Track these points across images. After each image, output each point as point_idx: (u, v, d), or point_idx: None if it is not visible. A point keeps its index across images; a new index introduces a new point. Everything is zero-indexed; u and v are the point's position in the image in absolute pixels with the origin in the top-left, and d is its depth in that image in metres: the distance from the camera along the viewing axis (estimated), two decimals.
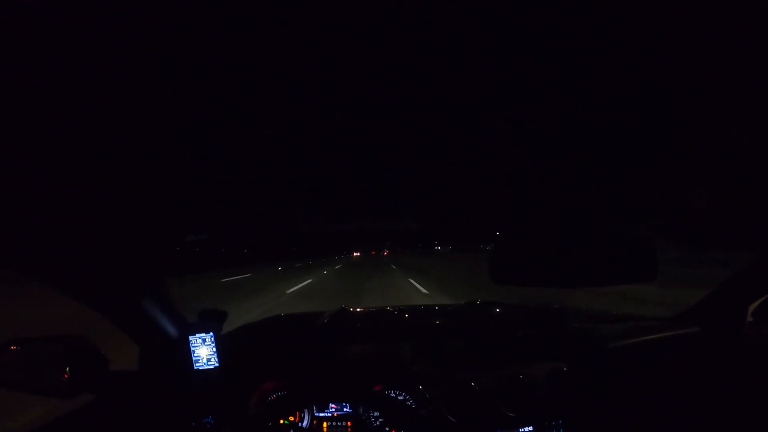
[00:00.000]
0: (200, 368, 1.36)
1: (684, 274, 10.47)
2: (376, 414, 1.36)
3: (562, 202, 1.12)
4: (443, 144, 0.80)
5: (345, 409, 1.37)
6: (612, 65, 0.58)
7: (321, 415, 1.37)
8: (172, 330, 1.37)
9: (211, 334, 1.35)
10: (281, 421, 1.34)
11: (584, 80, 0.61)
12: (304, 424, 1.36)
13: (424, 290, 11.31)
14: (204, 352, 1.35)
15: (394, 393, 1.36)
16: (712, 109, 0.69)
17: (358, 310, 2.41)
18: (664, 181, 1.04)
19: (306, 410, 1.37)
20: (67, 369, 1.21)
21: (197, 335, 1.36)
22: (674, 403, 1.41)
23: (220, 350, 1.36)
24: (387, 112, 0.68)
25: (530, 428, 1.29)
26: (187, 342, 1.36)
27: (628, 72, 0.59)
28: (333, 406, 1.38)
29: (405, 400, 1.36)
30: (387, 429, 1.33)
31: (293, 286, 13.94)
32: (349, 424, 1.35)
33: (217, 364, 1.35)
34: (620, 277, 1.05)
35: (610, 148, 0.87)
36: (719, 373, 1.43)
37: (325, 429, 1.35)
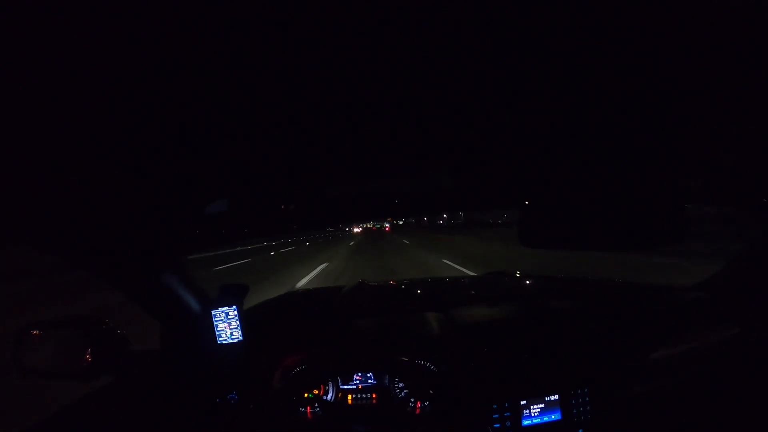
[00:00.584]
0: (223, 342, 1.35)
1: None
2: (401, 385, 1.35)
3: (592, 163, 1.09)
4: (466, 96, 0.76)
5: (370, 381, 1.37)
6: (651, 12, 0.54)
7: (345, 387, 1.37)
8: (194, 305, 1.37)
9: (234, 307, 1.35)
10: (306, 395, 1.34)
11: (622, 30, 0.57)
12: (329, 397, 1.36)
13: None
14: (227, 326, 1.35)
15: (419, 363, 1.35)
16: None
17: (378, 283, 2.40)
18: (700, 141, 1.00)
19: (330, 383, 1.37)
20: (89, 351, 1.20)
21: (220, 309, 1.35)
22: (697, 370, 1.40)
23: (244, 324, 1.35)
24: (397, 58, 0.63)
25: (556, 397, 1.29)
26: (210, 317, 1.35)
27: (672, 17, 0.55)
28: (357, 377, 1.37)
29: (430, 370, 1.34)
30: (412, 400, 1.32)
31: None
32: (374, 395, 1.35)
33: (240, 338, 1.35)
34: (648, 239, 1.04)
35: (643, 104, 0.83)
36: (742, 339, 1.43)
37: (349, 401, 1.35)
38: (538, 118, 0.86)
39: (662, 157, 1.11)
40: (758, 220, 1.36)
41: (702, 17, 0.53)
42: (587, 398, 1.30)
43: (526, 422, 1.26)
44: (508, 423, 1.25)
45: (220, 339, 1.35)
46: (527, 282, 2.17)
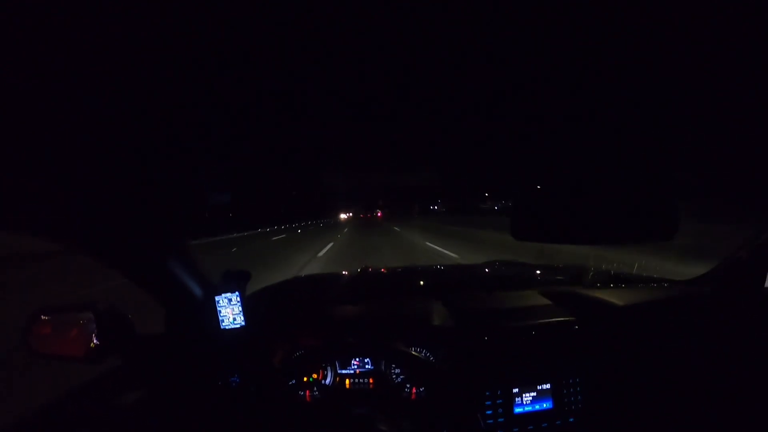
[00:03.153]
0: (226, 328, 1.39)
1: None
2: (398, 371, 1.39)
3: (584, 156, 1.11)
4: (462, 89, 0.78)
5: (367, 366, 1.41)
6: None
7: (344, 372, 1.41)
8: (197, 291, 1.40)
9: (237, 293, 1.39)
10: (305, 379, 1.38)
11: (614, 25, 0.59)
12: (328, 381, 1.40)
13: None
14: (230, 311, 1.39)
15: (415, 350, 1.39)
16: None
17: (381, 269, 2.43)
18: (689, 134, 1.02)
19: (329, 367, 1.41)
20: (95, 335, 1.24)
21: (223, 295, 1.39)
22: (689, 364, 1.41)
23: (246, 309, 1.39)
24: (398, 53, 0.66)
25: (548, 386, 1.31)
26: (213, 302, 1.39)
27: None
28: (355, 362, 1.41)
29: (426, 357, 1.38)
30: (408, 386, 1.36)
31: None
32: (371, 380, 1.39)
33: (243, 323, 1.39)
34: (640, 234, 1.05)
35: (634, 97, 0.85)
36: (735, 335, 1.43)
37: (347, 385, 1.39)
38: (531, 113, 0.89)
39: (654, 151, 1.12)
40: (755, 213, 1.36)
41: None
42: (579, 387, 1.32)
43: (518, 410, 1.28)
44: (500, 410, 1.27)
45: (223, 324, 1.39)
46: (527, 270, 2.19)
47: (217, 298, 1.38)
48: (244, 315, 1.38)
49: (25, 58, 0.58)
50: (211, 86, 0.72)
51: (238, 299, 1.38)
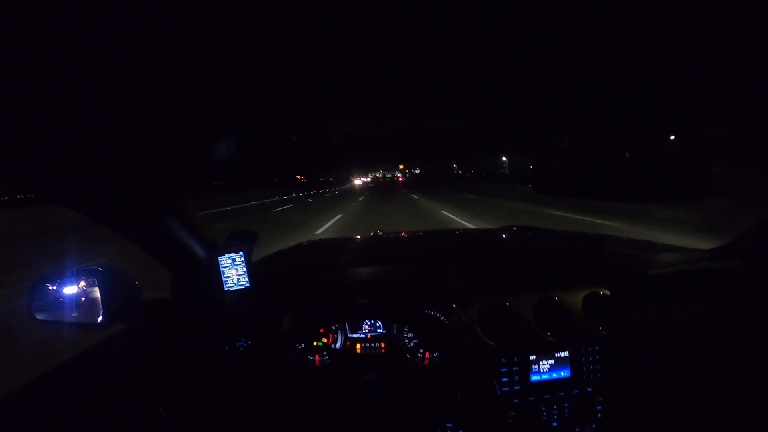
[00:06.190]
0: (230, 289, 1.35)
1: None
2: (410, 335, 1.34)
3: (611, 109, 1.03)
4: (487, 34, 0.70)
5: (379, 330, 1.36)
6: None
7: (354, 336, 1.36)
8: (201, 252, 1.35)
9: (241, 253, 1.33)
10: (314, 343, 1.35)
11: None
12: (338, 345, 1.36)
13: None
14: (233, 272, 1.34)
15: (429, 312, 1.33)
16: None
17: (393, 234, 2.38)
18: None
19: (339, 331, 1.37)
20: (101, 301, 1.22)
21: (227, 255, 1.33)
22: (712, 334, 1.36)
23: (251, 270, 1.34)
24: None
25: (566, 353, 1.26)
26: (217, 263, 1.34)
27: None
28: (367, 326, 1.36)
29: (440, 320, 1.33)
30: (421, 351, 1.32)
31: None
32: (382, 345, 1.34)
33: (247, 284, 1.34)
34: (667, 193, 0.99)
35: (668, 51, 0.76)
36: (757, 304, 1.38)
37: (358, 350, 1.35)
38: (560, 62, 0.81)
39: (686, 108, 1.04)
40: None
41: None
42: (598, 356, 1.28)
43: (534, 378, 1.24)
44: (516, 377, 1.23)
45: (227, 285, 1.34)
46: (541, 236, 2.13)
47: (219, 259, 1.33)
48: (248, 276, 1.33)
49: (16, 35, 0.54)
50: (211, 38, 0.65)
51: (243, 259, 1.32)
